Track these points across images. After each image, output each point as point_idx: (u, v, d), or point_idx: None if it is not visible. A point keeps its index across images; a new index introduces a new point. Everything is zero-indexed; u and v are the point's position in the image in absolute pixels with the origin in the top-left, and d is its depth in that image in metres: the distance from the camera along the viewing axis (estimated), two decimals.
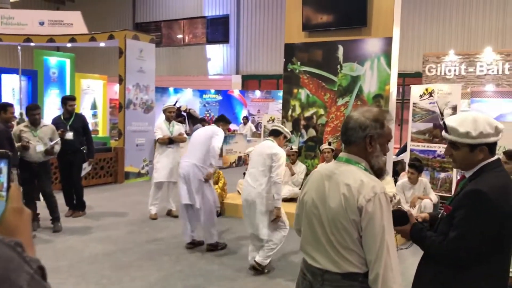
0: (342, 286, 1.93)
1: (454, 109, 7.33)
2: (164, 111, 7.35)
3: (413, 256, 2.27)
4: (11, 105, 6.11)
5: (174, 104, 7.57)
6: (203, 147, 5.48)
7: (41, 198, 6.45)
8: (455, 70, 11.69)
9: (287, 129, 5.18)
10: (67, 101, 6.97)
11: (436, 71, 11.81)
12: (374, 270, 1.85)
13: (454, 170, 7.34)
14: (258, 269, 4.74)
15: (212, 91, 17.45)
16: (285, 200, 7.54)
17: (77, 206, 7.11)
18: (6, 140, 5.53)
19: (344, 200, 1.90)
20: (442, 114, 1.88)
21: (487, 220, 1.91)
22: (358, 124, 1.96)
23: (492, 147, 2.05)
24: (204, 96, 17.42)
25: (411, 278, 2.25)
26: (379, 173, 2.02)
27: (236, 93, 17.27)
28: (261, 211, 4.66)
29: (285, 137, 4.95)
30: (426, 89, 7.67)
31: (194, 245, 5.54)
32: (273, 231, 4.75)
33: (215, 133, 5.56)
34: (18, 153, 5.88)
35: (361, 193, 1.87)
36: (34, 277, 0.65)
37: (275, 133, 4.93)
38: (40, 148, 6.09)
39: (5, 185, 0.76)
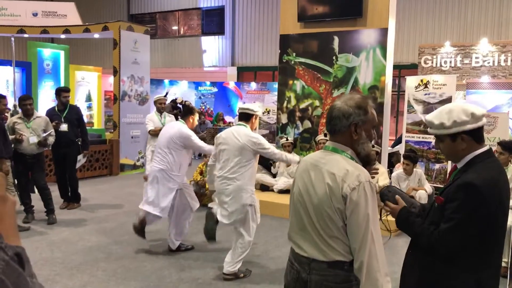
0: (328, 275, 1.94)
1: (449, 100, 7.33)
2: (155, 102, 7.31)
3: (407, 246, 2.28)
4: (3, 97, 6.07)
5: (165, 96, 7.50)
6: (168, 150, 4.92)
7: (36, 190, 6.43)
8: (450, 62, 11.68)
9: (256, 107, 4.50)
10: (61, 92, 6.93)
11: (432, 62, 11.80)
12: (358, 259, 1.86)
13: (449, 161, 7.35)
14: (230, 279, 4.37)
15: (208, 83, 17.38)
16: (281, 191, 7.56)
17: (72, 198, 7.09)
18: (1, 132, 5.50)
19: (329, 189, 1.90)
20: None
21: (479, 213, 1.91)
22: (341, 112, 1.96)
23: (474, 135, 2.03)
24: (200, 88, 17.36)
25: None
26: (366, 160, 2.01)
27: (231, 85, 17.21)
28: (244, 204, 4.30)
29: (256, 117, 4.45)
30: (422, 80, 7.67)
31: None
32: (241, 235, 4.37)
33: (184, 134, 4.87)
34: (12, 145, 5.85)
35: (346, 182, 1.87)
36: (10, 264, 0.64)
37: (245, 117, 4.41)
38: (34, 139, 6.06)
39: None
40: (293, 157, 4.81)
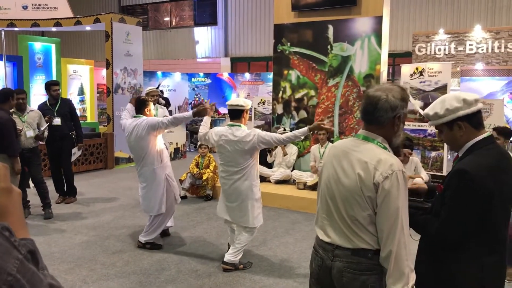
0: (351, 262, 1.95)
1: (445, 88, 7.33)
2: (147, 94, 7.23)
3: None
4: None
5: (157, 87, 7.41)
6: (140, 149, 4.83)
7: (31, 185, 6.37)
8: (444, 49, 11.69)
9: (244, 101, 4.33)
10: (50, 86, 6.86)
11: (426, 50, 11.80)
12: (386, 247, 1.86)
13: (445, 149, 7.38)
14: (229, 269, 4.38)
15: (201, 74, 17.29)
16: (278, 182, 7.55)
17: (68, 192, 7.04)
18: (13, 128, 5.36)
19: (359, 178, 1.91)
20: (422, 109, 1.93)
21: (472, 200, 1.91)
22: (389, 105, 1.94)
23: (471, 120, 2.03)
24: (193, 79, 17.26)
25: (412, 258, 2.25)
26: (396, 152, 2.03)
27: (225, 76, 17.13)
28: (254, 199, 4.33)
29: (247, 111, 4.33)
30: (417, 68, 7.66)
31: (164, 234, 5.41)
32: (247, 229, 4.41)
33: (144, 121, 4.73)
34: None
35: (378, 170, 1.87)
36: (24, 263, 0.64)
37: (236, 115, 4.29)
38: (30, 133, 6.01)
39: None
40: (298, 131, 4.19)
